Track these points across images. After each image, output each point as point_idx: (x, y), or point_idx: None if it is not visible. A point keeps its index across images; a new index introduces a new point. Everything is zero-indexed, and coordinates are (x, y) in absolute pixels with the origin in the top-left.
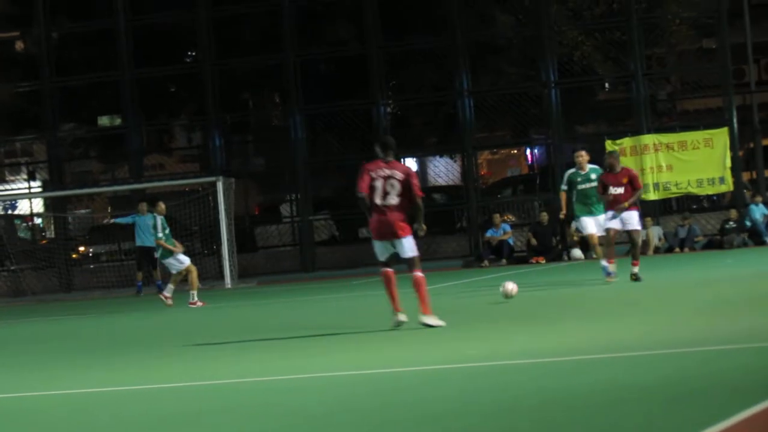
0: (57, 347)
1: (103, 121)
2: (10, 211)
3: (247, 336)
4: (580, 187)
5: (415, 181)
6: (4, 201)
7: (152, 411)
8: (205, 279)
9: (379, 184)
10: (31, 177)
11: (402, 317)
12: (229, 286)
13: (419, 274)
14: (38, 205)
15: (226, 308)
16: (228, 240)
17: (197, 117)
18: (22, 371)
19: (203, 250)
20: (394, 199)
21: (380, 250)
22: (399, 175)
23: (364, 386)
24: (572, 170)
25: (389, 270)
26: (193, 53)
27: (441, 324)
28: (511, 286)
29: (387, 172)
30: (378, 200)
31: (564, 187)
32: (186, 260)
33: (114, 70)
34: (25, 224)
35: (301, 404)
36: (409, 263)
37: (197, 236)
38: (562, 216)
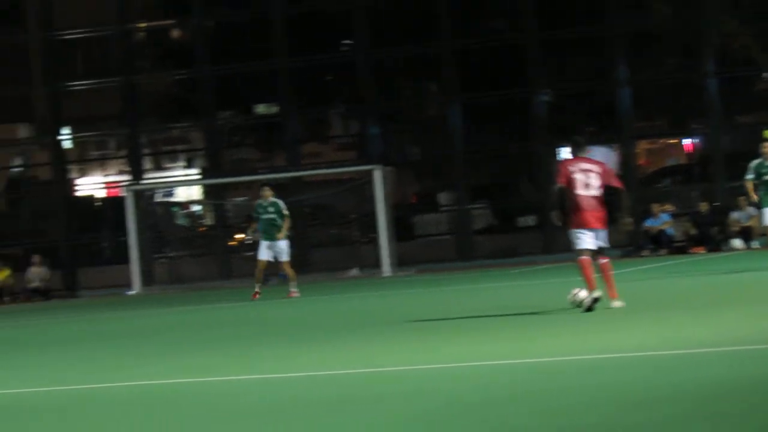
0: (218, 334)
1: (260, 109)
2: (167, 199)
3: (408, 323)
4: (766, 177)
5: (613, 175)
6: (161, 188)
7: (317, 396)
8: (362, 267)
9: (580, 176)
10: (189, 164)
11: (598, 293)
12: (389, 273)
13: (607, 260)
14: (196, 193)
15: (386, 296)
16: (385, 228)
17: (353, 105)
18: (183, 357)
19: (360, 238)
20: (594, 191)
21: (587, 239)
22: (597, 168)
23: (526, 374)
24: (758, 160)
25: (589, 258)
26: (349, 41)
27: (623, 305)
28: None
29: (586, 166)
30: (581, 191)
31: (750, 176)
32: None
33: (270, 59)
34: (182, 211)
35: (468, 391)
36: (600, 251)
37: (354, 224)
38: (748, 202)
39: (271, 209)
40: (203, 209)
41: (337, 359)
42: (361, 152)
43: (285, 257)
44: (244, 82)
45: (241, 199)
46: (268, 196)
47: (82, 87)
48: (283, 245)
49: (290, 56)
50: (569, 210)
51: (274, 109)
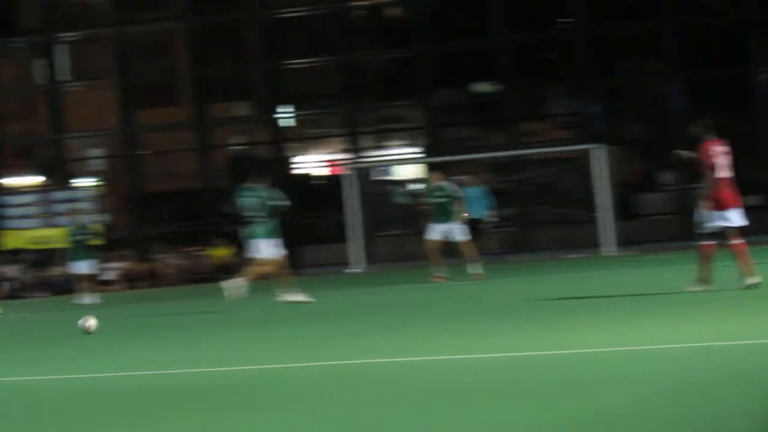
0: (430, 312)
1: (479, 87)
2: (385, 177)
3: (633, 303)
4: None
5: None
6: (381, 167)
7: (533, 376)
8: (585, 247)
9: (722, 159)
10: (408, 143)
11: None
12: (612, 253)
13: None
14: (414, 171)
15: (609, 275)
16: (606, 207)
17: (573, 83)
18: (401, 336)
19: (581, 217)
20: (731, 173)
21: (731, 217)
22: (729, 150)
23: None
24: None
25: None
26: (568, 19)
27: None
28: (90, 323)
29: (723, 148)
30: (724, 174)
31: None
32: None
33: (488, 36)
34: (401, 190)
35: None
36: (736, 231)
37: (575, 203)
38: None
39: (438, 193)
40: (422, 188)
41: (564, 339)
42: (581, 130)
43: (461, 237)
44: (463, 60)
45: (462, 177)
46: (437, 179)
47: (301, 65)
48: (455, 227)
49: (509, 34)
50: (713, 192)
51: (493, 87)
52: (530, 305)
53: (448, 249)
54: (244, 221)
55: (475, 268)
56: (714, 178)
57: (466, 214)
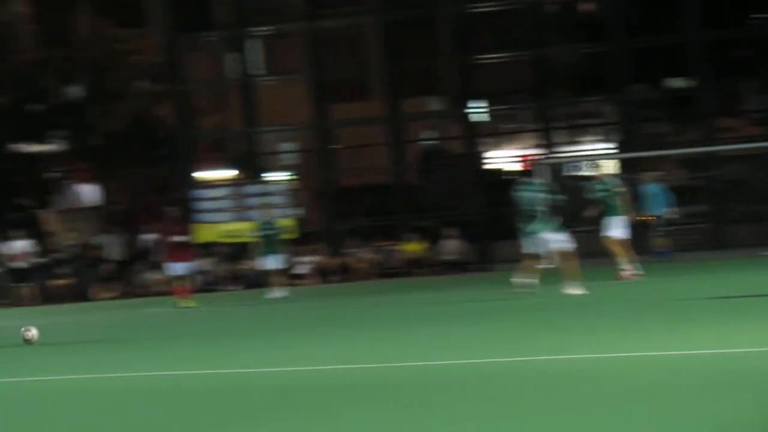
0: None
1: (673, 83)
2: (577, 173)
3: None
4: None
5: None
6: (574, 162)
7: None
8: None
9: None
10: (600, 138)
11: None
12: None
13: None
14: (606, 167)
15: None
16: None
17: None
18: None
19: None
20: None
21: None
22: None
23: None
24: None
25: None
26: (761, 15)
27: None
28: (31, 334)
29: None
30: None
31: None
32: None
33: (682, 32)
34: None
35: None
36: None
37: None
38: None
39: (599, 188)
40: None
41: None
42: None
43: (611, 233)
44: (656, 55)
45: (655, 173)
46: (601, 175)
47: (493, 60)
48: (611, 222)
49: (703, 29)
50: None
51: (686, 83)
52: (720, 302)
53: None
54: (525, 216)
55: (626, 267)
56: None
57: (636, 212)
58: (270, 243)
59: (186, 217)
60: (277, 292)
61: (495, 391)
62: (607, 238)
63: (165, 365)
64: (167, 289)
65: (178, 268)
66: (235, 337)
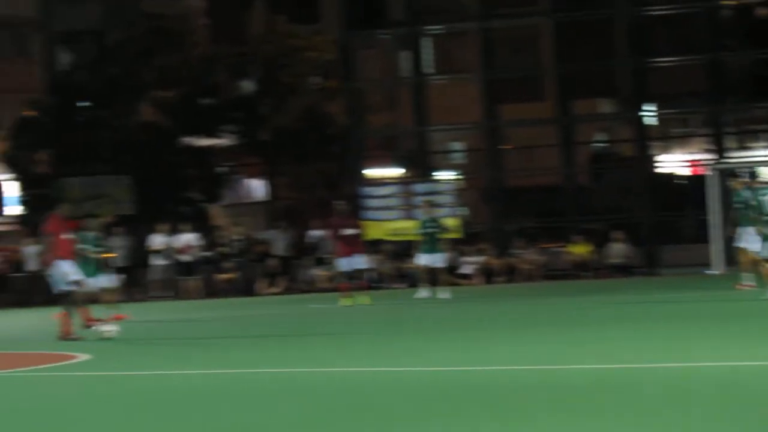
0: None
1: None
2: (752, 179)
3: None
4: None
5: None
6: (746, 168)
7: None
8: None
9: None
10: None
11: None
12: None
13: None
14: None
15: None
16: None
17: None
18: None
19: None
20: None
21: None
22: None
23: None
24: None
25: None
26: None
27: None
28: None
29: None
30: None
31: None
32: None
33: None
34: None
35: None
36: None
37: None
38: None
39: (736, 199)
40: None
41: None
42: None
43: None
44: None
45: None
46: (738, 186)
47: (667, 63)
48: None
49: None
50: None
51: None
52: None
53: None
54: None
55: (747, 279)
56: None
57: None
58: (431, 241)
59: (355, 213)
60: (430, 293)
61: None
62: (741, 249)
63: (351, 361)
64: (332, 285)
65: (348, 263)
66: (407, 335)
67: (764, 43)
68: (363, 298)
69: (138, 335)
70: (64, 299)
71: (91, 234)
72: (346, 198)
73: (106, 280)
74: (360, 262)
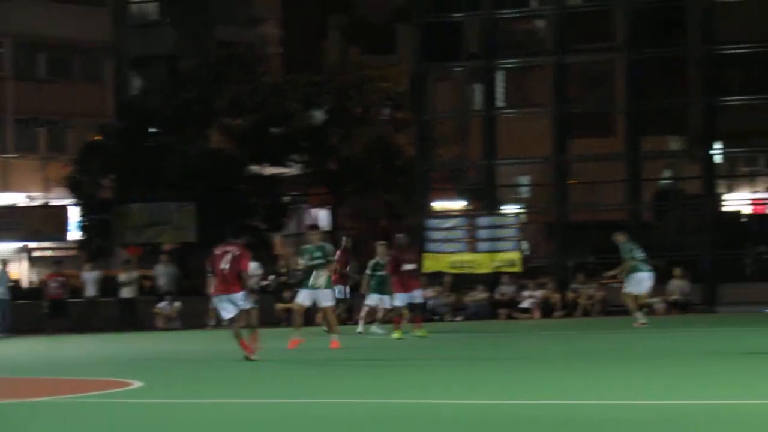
0: None
1: None
2: None
3: None
4: None
5: None
6: None
7: None
8: None
9: None
10: None
11: None
12: None
13: None
14: None
15: None
16: None
17: None
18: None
19: None
20: None
21: None
22: None
23: None
24: None
25: None
26: None
27: None
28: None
29: None
30: None
31: None
32: None
33: None
34: None
35: None
36: None
37: None
38: None
39: None
40: None
41: None
42: None
43: None
44: None
45: None
46: None
47: (737, 102)
48: None
49: None
50: None
51: None
52: None
53: None
54: None
55: None
56: None
57: None
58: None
59: (417, 246)
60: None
61: None
62: None
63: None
64: (389, 316)
65: (404, 297)
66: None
67: None
68: (420, 331)
69: (190, 362)
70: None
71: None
72: (411, 229)
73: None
74: (417, 296)
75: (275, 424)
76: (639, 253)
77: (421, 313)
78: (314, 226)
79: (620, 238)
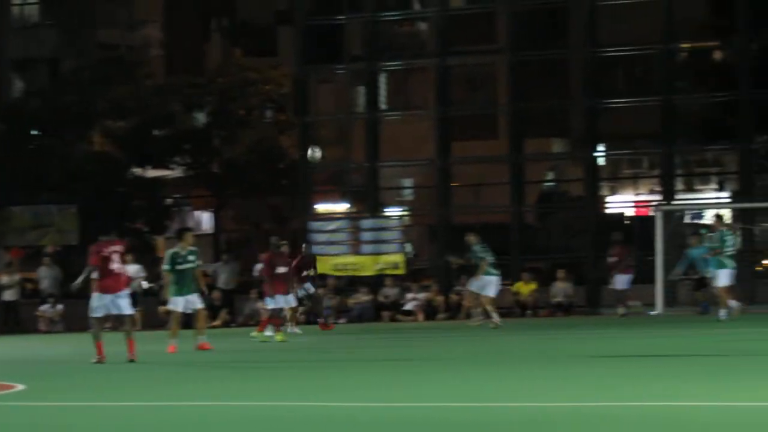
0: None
1: None
2: (696, 221)
3: None
4: None
5: None
6: (691, 210)
7: None
8: None
9: None
10: (720, 187)
11: None
12: None
13: None
14: (725, 216)
15: None
16: None
17: None
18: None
19: None
20: None
21: None
22: None
23: None
24: None
25: None
26: None
27: None
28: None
29: None
30: None
31: None
32: None
33: None
34: (710, 234)
35: None
36: None
37: None
38: None
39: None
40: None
41: None
42: None
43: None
44: None
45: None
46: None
47: (620, 105)
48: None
49: None
50: None
51: None
52: None
53: None
54: None
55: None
56: None
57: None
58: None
59: (291, 251)
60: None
61: None
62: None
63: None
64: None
65: (277, 301)
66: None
67: (716, 86)
68: (279, 335)
69: (73, 365)
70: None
71: None
72: (294, 232)
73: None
74: (289, 300)
75: (154, 428)
76: (489, 257)
77: (285, 316)
78: (187, 229)
79: (472, 240)
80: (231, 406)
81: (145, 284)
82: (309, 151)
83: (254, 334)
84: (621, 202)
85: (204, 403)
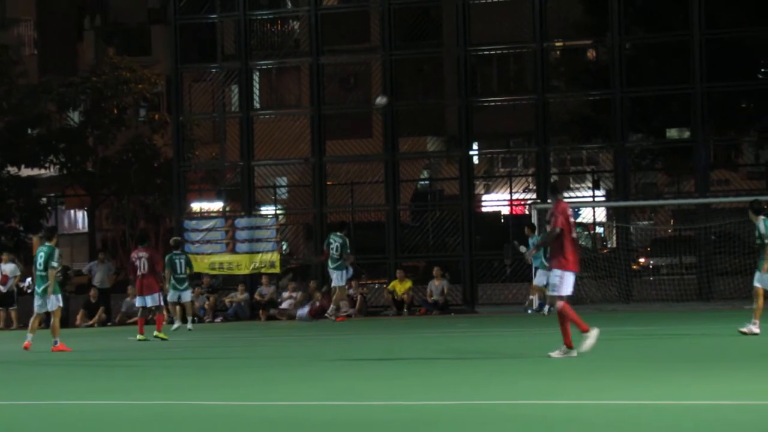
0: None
1: (671, 133)
2: (572, 219)
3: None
4: None
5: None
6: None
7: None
8: None
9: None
10: (596, 186)
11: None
12: None
13: None
14: (601, 215)
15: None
16: None
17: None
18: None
19: None
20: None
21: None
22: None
23: None
24: None
25: None
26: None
27: None
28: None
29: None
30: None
31: None
32: None
33: (685, 83)
34: (586, 233)
35: None
36: None
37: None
38: None
39: None
40: (606, 231)
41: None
42: None
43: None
44: (658, 105)
45: (646, 223)
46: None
47: (495, 103)
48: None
49: (706, 81)
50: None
51: (686, 133)
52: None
53: None
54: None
55: None
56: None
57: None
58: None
59: (164, 247)
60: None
61: None
62: None
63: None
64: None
65: (144, 299)
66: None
67: (590, 85)
68: (161, 333)
69: None
70: None
71: None
72: (168, 231)
73: None
74: (154, 299)
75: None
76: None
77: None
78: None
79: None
80: (90, 405)
81: (23, 284)
82: (378, 99)
83: (156, 333)
84: (496, 201)
85: (58, 402)
